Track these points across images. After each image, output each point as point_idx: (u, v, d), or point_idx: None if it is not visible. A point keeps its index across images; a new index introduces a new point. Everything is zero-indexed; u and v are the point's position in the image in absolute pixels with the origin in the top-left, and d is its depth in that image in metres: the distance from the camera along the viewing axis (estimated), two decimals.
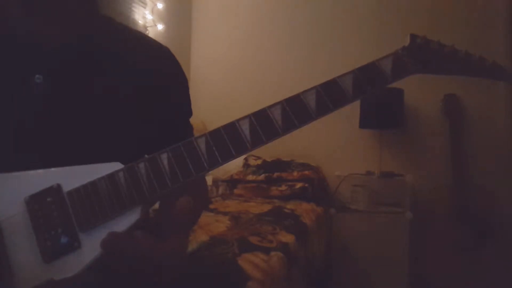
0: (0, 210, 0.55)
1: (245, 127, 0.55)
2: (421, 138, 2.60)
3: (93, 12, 0.74)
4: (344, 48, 2.77)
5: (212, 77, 3.20)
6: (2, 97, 0.63)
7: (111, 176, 0.54)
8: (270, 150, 2.75)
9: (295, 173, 2.61)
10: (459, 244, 2.23)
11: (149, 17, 2.76)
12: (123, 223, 0.53)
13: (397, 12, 2.64)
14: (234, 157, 0.54)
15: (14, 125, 0.63)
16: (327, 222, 2.47)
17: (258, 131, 0.54)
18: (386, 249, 2.41)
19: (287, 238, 1.68)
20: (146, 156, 0.55)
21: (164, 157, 0.54)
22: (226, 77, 3.16)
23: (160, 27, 2.84)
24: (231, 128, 0.55)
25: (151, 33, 2.72)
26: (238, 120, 0.55)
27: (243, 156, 2.75)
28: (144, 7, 2.71)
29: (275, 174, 2.63)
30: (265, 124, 0.55)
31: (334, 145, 2.78)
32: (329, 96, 0.56)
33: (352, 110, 2.48)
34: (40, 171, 0.57)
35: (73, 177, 0.56)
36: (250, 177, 2.68)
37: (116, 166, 0.55)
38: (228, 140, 0.54)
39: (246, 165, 2.79)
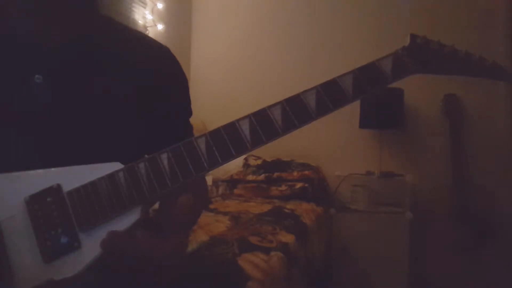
0: (0, 210, 0.55)
1: (245, 127, 0.55)
2: (421, 138, 2.60)
3: (93, 12, 0.74)
4: (344, 48, 2.77)
5: (212, 77, 3.19)
6: (2, 97, 0.63)
7: (111, 176, 0.54)
8: (270, 150, 2.75)
9: (295, 173, 2.61)
10: (459, 244, 2.23)
11: (149, 17, 2.76)
12: (123, 223, 0.53)
13: (397, 12, 2.64)
14: (234, 157, 0.54)
15: (14, 125, 0.63)
16: (327, 222, 2.47)
17: (258, 131, 0.54)
18: (386, 249, 2.41)
19: (287, 238, 1.68)
20: (146, 156, 0.55)
21: (164, 157, 0.54)
22: (226, 77, 3.16)
23: (160, 27, 2.84)
24: (231, 128, 0.55)
25: (151, 33, 2.72)
26: (238, 120, 0.55)
27: (243, 156, 2.75)
28: (144, 7, 2.71)
29: (275, 174, 2.63)
30: (265, 124, 0.55)
31: (334, 145, 2.78)
32: (329, 96, 0.56)
33: (352, 110, 2.48)
34: (40, 171, 0.57)
35: (73, 177, 0.56)
36: (250, 177, 2.68)
37: (116, 166, 0.55)
38: (228, 140, 0.54)
39: (246, 165, 2.79)
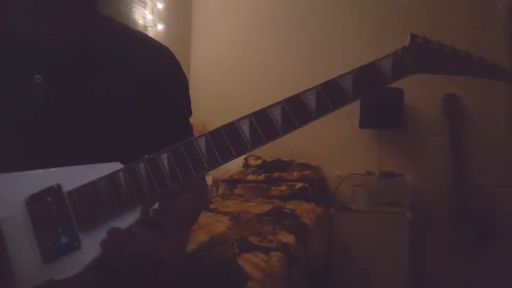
0: (0, 210, 0.55)
1: (245, 127, 0.55)
2: (421, 138, 2.60)
3: (93, 12, 0.74)
4: (344, 48, 2.77)
5: (212, 77, 3.19)
6: (2, 97, 0.63)
7: (111, 176, 0.54)
8: (270, 150, 2.74)
9: (295, 173, 2.61)
10: (459, 244, 2.23)
11: (149, 17, 2.75)
12: (123, 223, 0.53)
13: (397, 12, 2.64)
14: (234, 157, 0.54)
15: (14, 125, 0.63)
16: (327, 222, 2.47)
17: (258, 131, 0.54)
18: (386, 249, 2.41)
19: (287, 238, 1.68)
20: (146, 156, 0.55)
21: (164, 157, 0.54)
22: (226, 77, 3.16)
23: (160, 27, 2.84)
24: (231, 128, 0.55)
25: (151, 33, 2.72)
26: (238, 120, 0.55)
27: (243, 156, 2.75)
28: (144, 7, 2.71)
29: (275, 174, 2.63)
30: (265, 124, 0.55)
31: (334, 145, 2.78)
32: (329, 96, 0.56)
33: (352, 110, 2.48)
34: (40, 171, 0.57)
35: (73, 177, 0.56)
36: (250, 177, 2.68)
37: (116, 166, 0.55)
38: (228, 140, 0.54)
39: (246, 165, 2.79)
